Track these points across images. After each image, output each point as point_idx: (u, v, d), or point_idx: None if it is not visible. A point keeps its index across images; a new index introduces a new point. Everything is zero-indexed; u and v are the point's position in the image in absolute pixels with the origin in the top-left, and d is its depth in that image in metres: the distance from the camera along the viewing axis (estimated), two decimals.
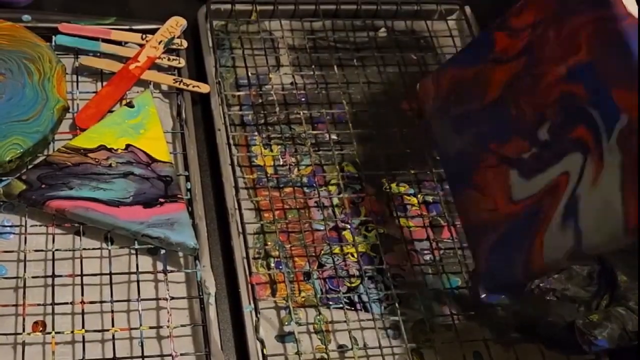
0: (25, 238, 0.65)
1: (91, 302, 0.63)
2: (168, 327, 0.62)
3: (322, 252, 0.71)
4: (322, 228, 0.72)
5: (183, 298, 0.66)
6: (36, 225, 0.66)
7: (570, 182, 0.51)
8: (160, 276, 0.66)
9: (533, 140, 0.54)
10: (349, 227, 0.72)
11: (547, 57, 0.53)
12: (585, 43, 0.50)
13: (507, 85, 0.56)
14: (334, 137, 0.77)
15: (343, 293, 0.68)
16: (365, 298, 0.69)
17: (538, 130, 0.54)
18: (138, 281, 0.64)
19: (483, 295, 0.60)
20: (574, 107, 0.51)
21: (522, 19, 0.54)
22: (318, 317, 0.67)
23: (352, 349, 0.65)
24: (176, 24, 0.79)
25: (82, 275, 0.64)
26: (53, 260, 0.64)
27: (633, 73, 0.46)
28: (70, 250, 0.65)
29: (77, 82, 0.75)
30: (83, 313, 0.62)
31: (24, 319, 0.60)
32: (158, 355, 0.62)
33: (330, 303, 0.68)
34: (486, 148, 0.57)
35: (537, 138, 0.54)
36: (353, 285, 0.70)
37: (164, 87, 0.77)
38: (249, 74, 0.80)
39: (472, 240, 0.60)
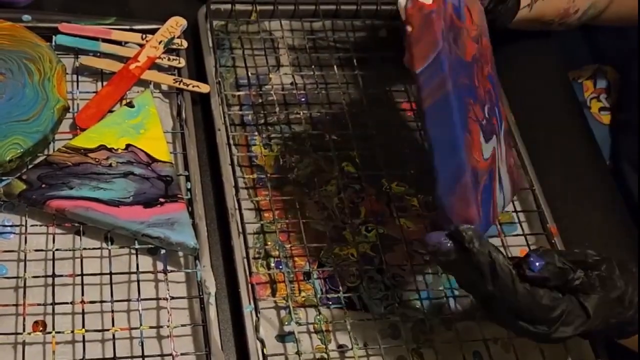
0: (26, 238, 0.65)
1: (91, 302, 0.63)
2: (168, 326, 0.62)
3: (322, 252, 0.71)
4: (322, 228, 0.72)
5: (183, 298, 0.66)
6: (36, 225, 0.66)
7: (497, 154, 0.63)
8: (161, 276, 0.66)
9: (483, 113, 0.61)
10: (348, 227, 0.72)
11: (482, 56, 0.63)
12: (490, 58, 0.65)
13: (473, 59, 0.61)
14: (334, 137, 0.77)
15: (343, 293, 0.68)
16: (365, 298, 0.69)
17: (483, 107, 0.62)
18: (138, 281, 0.64)
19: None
20: (493, 101, 0.64)
21: (473, 15, 0.63)
22: (318, 317, 0.67)
23: (352, 348, 0.65)
24: (176, 24, 0.79)
25: (82, 275, 0.64)
26: (53, 260, 0.64)
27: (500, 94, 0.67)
28: (70, 250, 0.66)
29: (77, 82, 0.75)
30: (83, 313, 0.62)
31: (24, 319, 0.60)
32: (158, 355, 0.62)
33: (330, 303, 0.68)
34: (468, 101, 0.59)
35: (484, 113, 0.61)
36: (353, 285, 0.70)
37: (164, 87, 0.77)
38: (249, 74, 0.80)
39: (470, 180, 0.59)
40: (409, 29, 0.58)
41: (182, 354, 0.62)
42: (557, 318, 0.57)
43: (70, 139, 0.70)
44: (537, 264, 0.56)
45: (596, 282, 0.58)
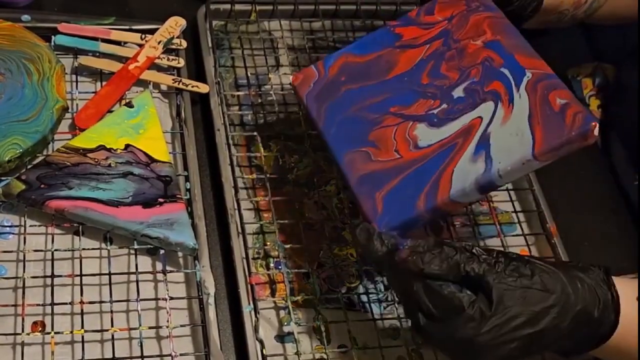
0: (25, 238, 0.64)
1: (90, 302, 0.63)
2: (167, 327, 0.62)
3: (322, 252, 0.71)
4: (322, 228, 0.72)
5: (182, 298, 0.66)
6: (35, 225, 0.66)
7: (483, 122, 0.60)
8: (160, 276, 0.66)
9: (445, 98, 0.63)
10: (348, 227, 0.72)
11: (463, 37, 0.66)
12: (488, 28, 0.65)
13: (420, 61, 0.66)
14: None
15: (342, 293, 0.68)
16: (364, 298, 0.69)
17: (454, 89, 0.63)
18: (137, 281, 0.64)
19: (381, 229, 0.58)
20: (491, 70, 0.62)
21: (438, 15, 0.68)
22: (318, 317, 0.67)
23: (351, 349, 0.64)
24: (175, 24, 0.79)
25: (81, 275, 0.64)
26: (52, 260, 0.64)
27: (525, 45, 0.63)
28: (69, 250, 0.65)
29: (77, 82, 0.75)
30: (82, 313, 0.62)
31: (23, 319, 0.60)
32: (157, 356, 0.62)
33: (330, 303, 0.68)
34: (386, 112, 0.64)
35: (451, 95, 0.63)
36: (353, 285, 0.70)
37: (164, 87, 0.77)
38: (249, 74, 0.80)
39: (363, 190, 0.61)
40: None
41: (181, 355, 0.61)
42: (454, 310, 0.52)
43: (69, 139, 0.70)
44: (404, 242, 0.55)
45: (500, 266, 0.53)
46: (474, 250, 0.54)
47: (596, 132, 0.57)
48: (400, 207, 0.59)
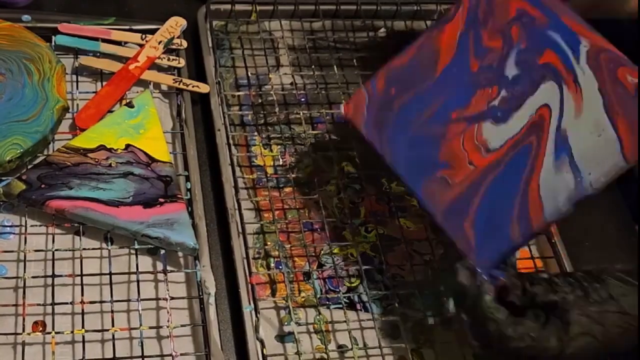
0: (25, 238, 0.65)
1: (91, 302, 0.63)
2: (168, 327, 0.62)
3: (322, 252, 0.71)
4: (322, 228, 0.72)
5: (183, 298, 0.66)
6: (36, 225, 0.66)
7: (553, 113, 0.52)
8: (160, 276, 0.66)
9: (501, 82, 0.54)
10: (348, 227, 0.72)
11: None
12: None
13: (461, 37, 0.57)
14: (334, 137, 0.77)
15: (343, 293, 0.68)
16: (365, 298, 0.69)
17: (505, 66, 0.54)
18: (138, 281, 0.64)
19: (481, 267, 0.54)
20: (536, 31, 0.53)
21: None
22: (318, 317, 0.67)
23: (352, 349, 0.65)
24: (176, 24, 0.79)
25: (82, 275, 0.64)
26: (53, 260, 0.64)
27: (566, 7, 0.53)
28: (70, 250, 0.65)
29: (77, 82, 0.75)
30: (83, 313, 0.62)
31: (24, 319, 0.60)
32: (158, 355, 0.62)
33: (330, 303, 0.68)
34: (448, 120, 0.57)
35: (505, 76, 0.54)
36: (353, 285, 0.70)
37: (164, 87, 0.77)
38: (249, 74, 0.80)
39: (450, 225, 0.55)
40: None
41: (181, 354, 0.61)
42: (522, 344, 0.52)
43: (69, 139, 0.70)
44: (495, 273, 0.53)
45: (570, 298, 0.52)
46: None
47: None
48: (494, 238, 0.53)
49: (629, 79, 0.50)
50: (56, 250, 0.64)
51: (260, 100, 0.79)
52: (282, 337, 0.66)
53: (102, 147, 0.69)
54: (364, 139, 0.62)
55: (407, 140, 0.58)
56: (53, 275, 0.63)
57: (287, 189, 0.73)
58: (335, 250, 0.71)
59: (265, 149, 0.76)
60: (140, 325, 0.62)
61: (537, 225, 0.52)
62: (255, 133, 0.77)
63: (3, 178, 0.67)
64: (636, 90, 0.50)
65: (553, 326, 0.52)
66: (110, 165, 0.68)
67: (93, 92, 0.74)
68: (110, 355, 0.60)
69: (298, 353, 0.64)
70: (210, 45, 0.79)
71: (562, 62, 0.52)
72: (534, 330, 0.52)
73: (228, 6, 0.82)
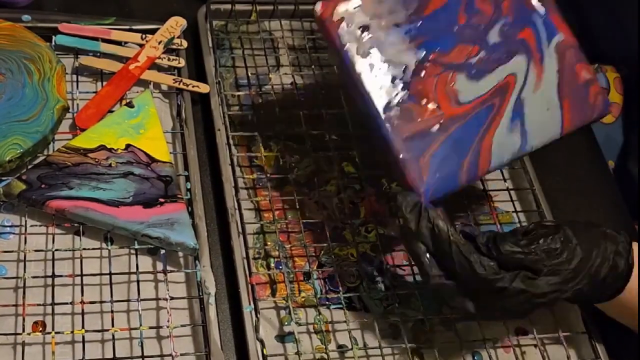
0: (25, 238, 0.65)
1: (91, 302, 0.63)
2: (168, 327, 0.62)
3: (322, 252, 0.71)
4: (321, 228, 0.72)
5: (183, 298, 0.66)
6: (36, 225, 0.66)
7: (517, 83, 0.60)
8: (160, 276, 0.66)
9: (482, 44, 0.61)
10: (348, 227, 0.72)
11: None
12: None
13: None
14: (334, 137, 0.76)
15: (343, 293, 0.68)
16: (365, 298, 0.69)
17: (489, 32, 0.61)
18: (138, 281, 0.64)
19: (424, 199, 0.59)
20: (524, 10, 0.61)
21: None
22: (318, 317, 0.67)
23: (352, 349, 0.65)
24: (176, 24, 0.79)
25: (82, 275, 0.64)
26: (53, 260, 0.64)
27: (557, 8, 0.62)
28: (70, 250, 0.65)
29: (77, 82, 0.75)
30: (83, 313, 0.62)
31: (23, 319, 0.60)
32: (158, 356, 0.62)
33: (330, 303, 0.68)
34: (426, 59, 0.60)
35: (487, 40, 0.61)
36: (353, 285, 0.70)
37: (164, 87, 0.77)
38: (249, 74, 0.80)
39: (407, 154, 0.59)
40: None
41: (181, 354, 0.61)
42: (499, 292, 0.57)
43: (70, 139, 0.70)
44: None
45: (542, 256, 0.57)
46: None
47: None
48: (444, 177, 0.59)
49: (583, 73, 0.60)
50: (56, 250, 0.64)
51: (260, 100, 0.79)
52: (282, 337, 0.66)
53: (102, 147, 0.69)
54: (339, 63, 0.62)
55: (380, 63, 0.60)
56: (53, 275, 0.63)
57: (287, 189, 0.73)
58: (335, 251, 0.71)
59: (265, 149, 0.76)
60: (140, 325, 0.62)
61: (481, 172, 0.60)
62: (256, 133, 0.77)
63: (3, 178, 0.67)
64: (586, 81, 0.60)
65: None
66: (110, 165, 0.68)
67: (93, 92, 0.74)
68: (110, 356, 0.60)
69: (298, 353, 0.64)
70: (211, 45, 0.79)
71: (536, 42, 0.61)
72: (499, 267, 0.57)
73: (228, 6, 0.82)
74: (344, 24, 0.60)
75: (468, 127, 0.59)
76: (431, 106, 0.59)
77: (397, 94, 0.59)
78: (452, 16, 0.61)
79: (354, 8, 0.60)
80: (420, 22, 0.61)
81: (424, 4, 0.61)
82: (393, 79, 0.60)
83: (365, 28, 0.60)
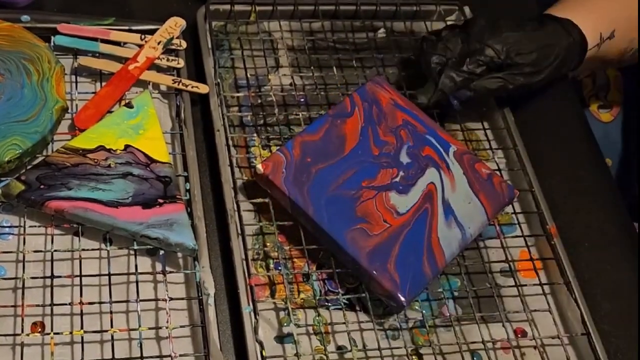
0: (24, 239, 0.64)
1: (90, 303, 0.63)
2: (167, 328, 0.62)
3: (321, 253, 0.71)
4: None
5: (182, 299, 0.66)
6: (35, 226, 0.66)
7: (438, 188, 0.71)
8: (159, 277, 0.66)
9: (399, 165, 0.71)
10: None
11: (383, 103, 0.76)
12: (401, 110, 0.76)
13: (362, 129, 0.73)
14: None
15: (342, 294, 0.68)
16: (364, 299, 0.69)
17: (399, 155, 0.72)
18: (137, 282, 0.64)
19: (405, 302, 0.65)
20: (418, 135, 0.74)
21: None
22: (317, 318, 0.67)
23: (351, 350, 0.64)
24: (175, 25, 0.79)
25: (81, 276, 0.64)
26: (52, 260, 0.64)
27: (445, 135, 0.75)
28: (69, 251, 0.65)
29: (76, 82, 0.75)
30: (82, 314, 0.62)
31: (22, 320, 0.60)
32: (157, 356, 0.62)
33: (329, 304, 0.68)
34: (360, 187, 0.69)
35: (401, 162, 0.72)
36: (352, 286, 0.69)
37: (163, 88, 0.77)
38: (248, 75, 0.80)
39: (376, 265, 0.65)
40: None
41: (180, 355, 0.61)
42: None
43: (69, 140, 0.70)
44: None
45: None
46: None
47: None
48: (413, 276, 0.66)
49: (483, 170, 0.73)
50: (55, 250, 0.64)
51: (259, 101, 0.79)
52: (281, 338, 0.66)
53: (101, 148, 0.69)
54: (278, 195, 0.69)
55: (326, 198, 0.68)
56: (52, 276, 0.63)
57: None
58: None
59: (264, 150, 0.76)
60: (139, 326, 0.62)
61: (441, 264, 0.67)
62: (255, 134, 0.77)
63: (2, 179, 0.66)
64: (488, 175, 0.73)
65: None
66: (109, 165, 0.68)
67: (92, 93, 0.74)
68: (109, 356, 0.60)
69: (297, 354, 0.64)
70: (210, 45, 0.79)
71: (438, 155, 0.73)
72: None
73: (227, 7, 0.82)
74: (284, 175, 0.69)
75: (415, 231, 0.68)
76: (379, 221, 0.68)
77: (349, 221, 0.67)
78: (367, 150, 0.72)
79: (288, 162, 0.69)
80: (344, 160, 0.71)
81: (341, 147, 0.71)
82: (341, 209, 0.68)
83: (301, 175, 0.69)
